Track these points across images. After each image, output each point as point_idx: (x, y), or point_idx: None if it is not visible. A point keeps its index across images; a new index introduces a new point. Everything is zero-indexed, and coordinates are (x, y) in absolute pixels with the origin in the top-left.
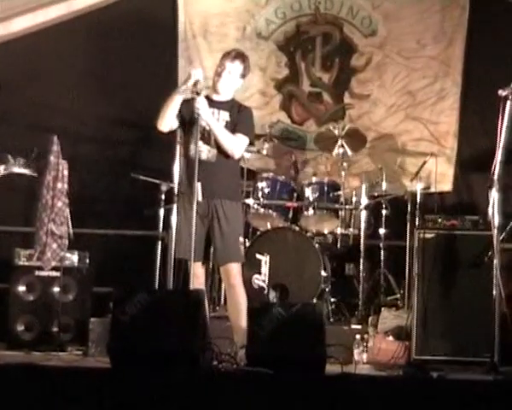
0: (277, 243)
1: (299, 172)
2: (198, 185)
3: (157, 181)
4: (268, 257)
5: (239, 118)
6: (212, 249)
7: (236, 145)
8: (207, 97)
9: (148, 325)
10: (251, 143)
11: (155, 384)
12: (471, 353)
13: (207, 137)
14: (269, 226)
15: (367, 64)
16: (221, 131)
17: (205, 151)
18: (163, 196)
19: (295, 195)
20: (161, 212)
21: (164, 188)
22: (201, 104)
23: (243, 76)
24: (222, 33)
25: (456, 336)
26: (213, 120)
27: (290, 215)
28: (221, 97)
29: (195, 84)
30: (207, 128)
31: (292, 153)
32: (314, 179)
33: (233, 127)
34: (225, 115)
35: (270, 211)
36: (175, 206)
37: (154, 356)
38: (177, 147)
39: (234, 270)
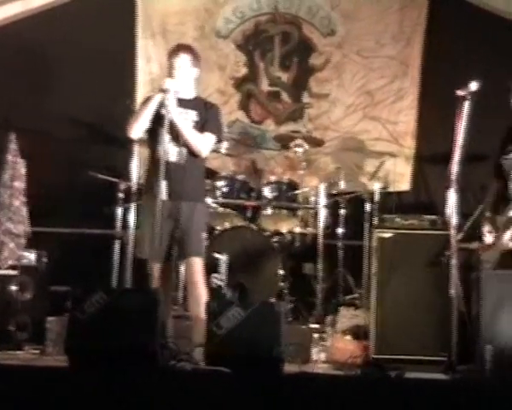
0: (236, 242)
1: (257, 172)
2: (163, 185)
3: (115, 180)
4: (226, 256)
5: (207, 116)
6: (175, 249)
7: (203, 144)
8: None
9: (105, 324)
10: (220, 141)
11: (113, 383)
12: (429, 352)
13: (176, 138)
14: (227, 225)
15: (326, 63)
16: (187, 129)
17: (174, 153)
18: (121, 195)
19: (254, 194)
20: (119, 211)
21: (122, 186)
22: (170, 100)
23: (195, 65)
24: (181, 32)
25: (413, 335)
26: (180, 117)
27: (249, 214)
28: (185, 95)
29: (165, 93)
30: (176, 128)
31: (250, 152)
32: (273, 179)
33: (201, 126)
34: (193, 115)
35: (229, 210)
36: (133, 205)
37: (112, 355)
38: (135, 146)
39: (196, 265)
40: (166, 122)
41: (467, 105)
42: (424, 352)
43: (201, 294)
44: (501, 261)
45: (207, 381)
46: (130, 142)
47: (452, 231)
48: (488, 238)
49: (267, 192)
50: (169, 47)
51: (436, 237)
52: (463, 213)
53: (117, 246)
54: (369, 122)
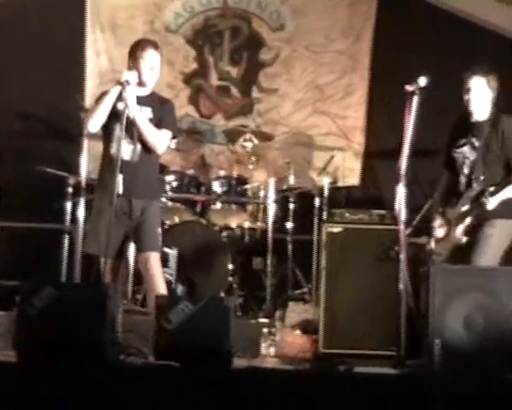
0: (185, 236)
1: (206, 166)
2: (119, 180)
3: (64, 174)
4: (176, 251)
5: (162, 112)
6: (126, 245)
7: (160, 140)
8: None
9: (54, 319)
10: (175, 137)
11: (62, 378)
12: (378, 346)
13: (131, 135)
14: (177, 220)
15: (275, 58)
16: (145, 124)
17: (128, 151)
18: (70, 190)
19: (203, 189)
20: (69, 205)
21: (71, 181)
22: (129, 94)
23: (160, 63)
24: (130, 26)
25: (363, 329)
26: (139, 112)
27: (198, 209)
28: (142, 92)
29: (126, 85)
30: (133, 124)
31: (200, 147)
32: (222, 173)
33: (156, 122)
34: (148, 111)
35: (178, 205)
36: (83, 200)
37: (61, 350)
38: (85, 140)
39: (154, 259)
40: (124, 117)
41: (415, 100)
42: (373, 346)
43: (160, 287)
44: (452, 255)
45: (156, 375)
46: (79, 136)
47: (401, 226)
48: (439, 232)
49: (216, 187)
50: (119, 41)
51: (385, 231)
52: (412, 208)
53: (66, 241)
54: (319, 117)
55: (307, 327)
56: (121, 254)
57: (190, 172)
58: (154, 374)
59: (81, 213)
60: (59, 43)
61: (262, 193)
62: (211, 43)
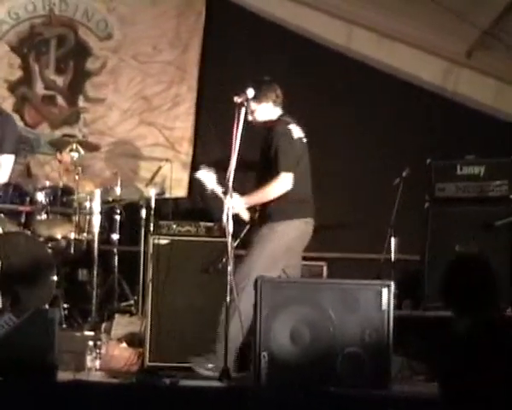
0: (9, 247)
1: (31, 176)
2: None
3: None
4: None
5: (4, 134)
6: None
7: (1, 173)
8: None
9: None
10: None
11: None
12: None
13: None
14: (0, 231)
15: (102, 68)
16: None
17: None
18: None
19: (28, 199)
20: None
21: None
22: None
23: None
24: None
25: (189, 342)
26: None
27: (23, 220)
28: None
29: None
30: None
31: (25, 156)
32: (47, 183)
33: None
34: None
35: (2, 215)
36: None
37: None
38: None
39: None
40: None
41: (243, 112)
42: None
43: None
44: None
45: None
46: None
47: (229, 238)
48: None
49: (41, 197)
50: None
51: (212, 243)
52: (239, 221)
53: None
54: (146, 128)
55: (133, 340)
56: None
57: (15, 181)
58: None
59: None
60: None
61: (88, 204)
62: (36, 51)
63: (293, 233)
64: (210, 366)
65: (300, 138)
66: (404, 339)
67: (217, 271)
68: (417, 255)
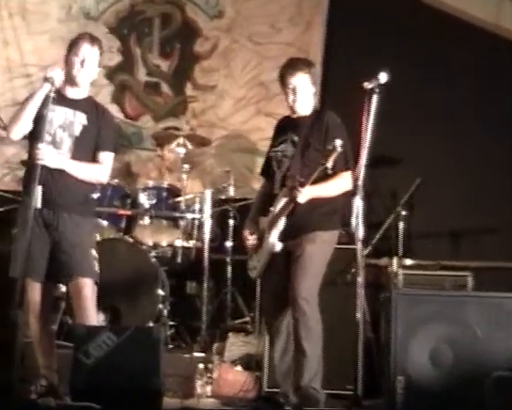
0: (108, 256)
1: (132, 175)
2: (38, 192)
3: None
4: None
5: (100, 125)
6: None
7: (101, 172)
8: (58, 92)
9: None
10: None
11: None
12: (332, 384)
13: (59, 142)
14: (98, 238)
15: (212, 50)
16: (77, 169)
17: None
18: None
19: (129, 201)
20: None
21: None
22: (46, 153)
23: (99, 65)
24: (43, 12)
25: None
26: (63, 163)
27: (123, 225)
28: (76, 94)
29: (53, 85)
30: (59, 134)
31: (125, 153)
32: (150, 183)
33: (93, 136)
34: (82, 118)
35: (100, 220)
36: None
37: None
38: None
39: (86, 288)
40: (47, 120)
41: (375, 99)
42: (326, 384)
43: (92, 322)
44: (269, 266)
45: None
46: None
47: (358, 245)
48: (251, 241)
49: (144, 199)
50: (29, 29)
51: (340, 251)
52: (370, 225)
53: None
54: (263, 119)
55: (249, 362)
56: (50, 275)
57: (114, 181)
58: None
59: None
60: None
61: (197, 206)
62: (138, 33)
63: (333, 246)
64: None
65: None
66: None
67: (345, 282)
68: None
